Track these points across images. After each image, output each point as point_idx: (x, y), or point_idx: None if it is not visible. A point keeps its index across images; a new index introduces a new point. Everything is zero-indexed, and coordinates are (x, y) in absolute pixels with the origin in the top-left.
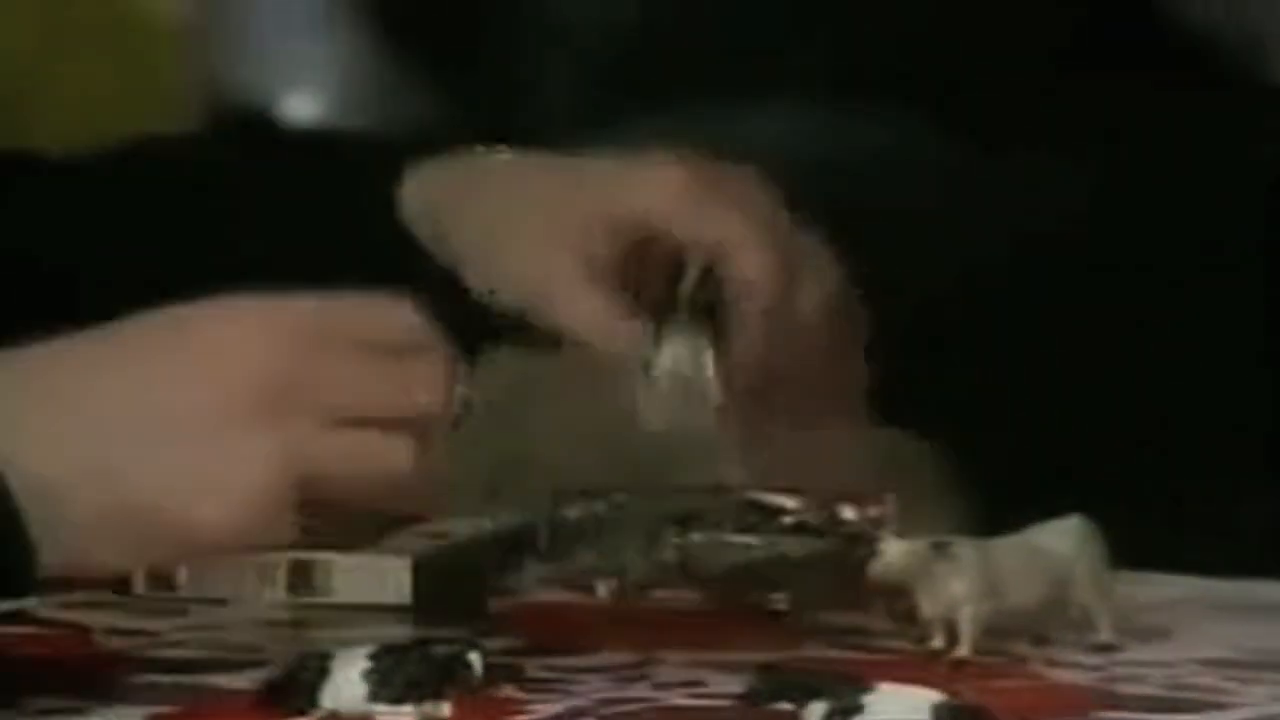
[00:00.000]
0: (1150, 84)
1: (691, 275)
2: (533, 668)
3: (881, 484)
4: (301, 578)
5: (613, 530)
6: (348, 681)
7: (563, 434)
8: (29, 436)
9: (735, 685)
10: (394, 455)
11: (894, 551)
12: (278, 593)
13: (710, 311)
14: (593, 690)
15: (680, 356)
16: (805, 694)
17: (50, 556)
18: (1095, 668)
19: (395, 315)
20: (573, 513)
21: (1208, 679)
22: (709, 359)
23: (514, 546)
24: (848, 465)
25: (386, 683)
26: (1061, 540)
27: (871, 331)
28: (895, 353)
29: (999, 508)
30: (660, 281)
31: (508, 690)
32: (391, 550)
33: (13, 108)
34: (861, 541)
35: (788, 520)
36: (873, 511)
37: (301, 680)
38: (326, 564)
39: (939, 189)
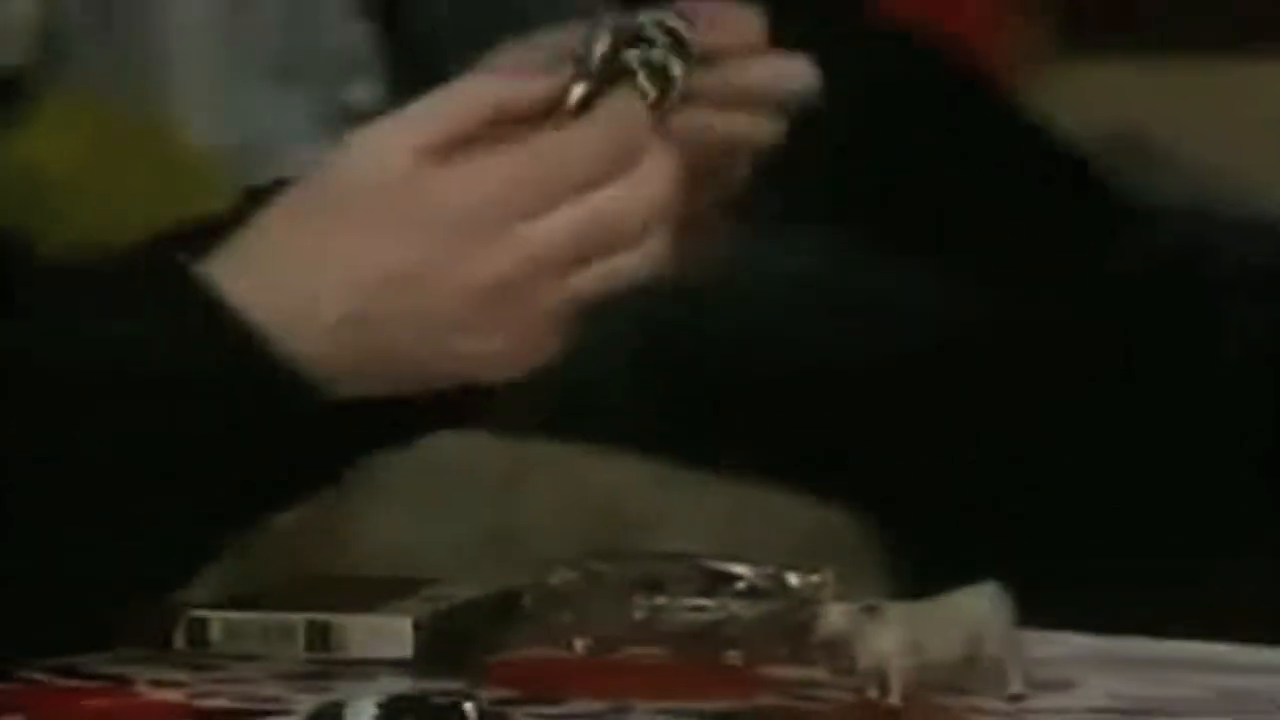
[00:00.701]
0: (1035, 206)
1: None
2: (520, 715)
3: (815, 550)
4: (318, 636)
5: (588, 594)
6: None
7: (546, 512)
8: (285, 297)
9: None
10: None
11: (833, 613)
12: (297, 650)
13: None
14: None
15: None
16: None
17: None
18: (1006, 714)
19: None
20: (554, 579)
21: None
22: None
23: (503, 609)
24: (787, 533)
25: None
26: (977, 603)
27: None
28: (834, 440)
29: (923, 575)
30: None
31: None
32: (395, 612)
33: (59, 215)
34: (805, 605)
35: (740, 585)
36: (814, 579)
37: None
38: (340, 624)
39: (865, 296)
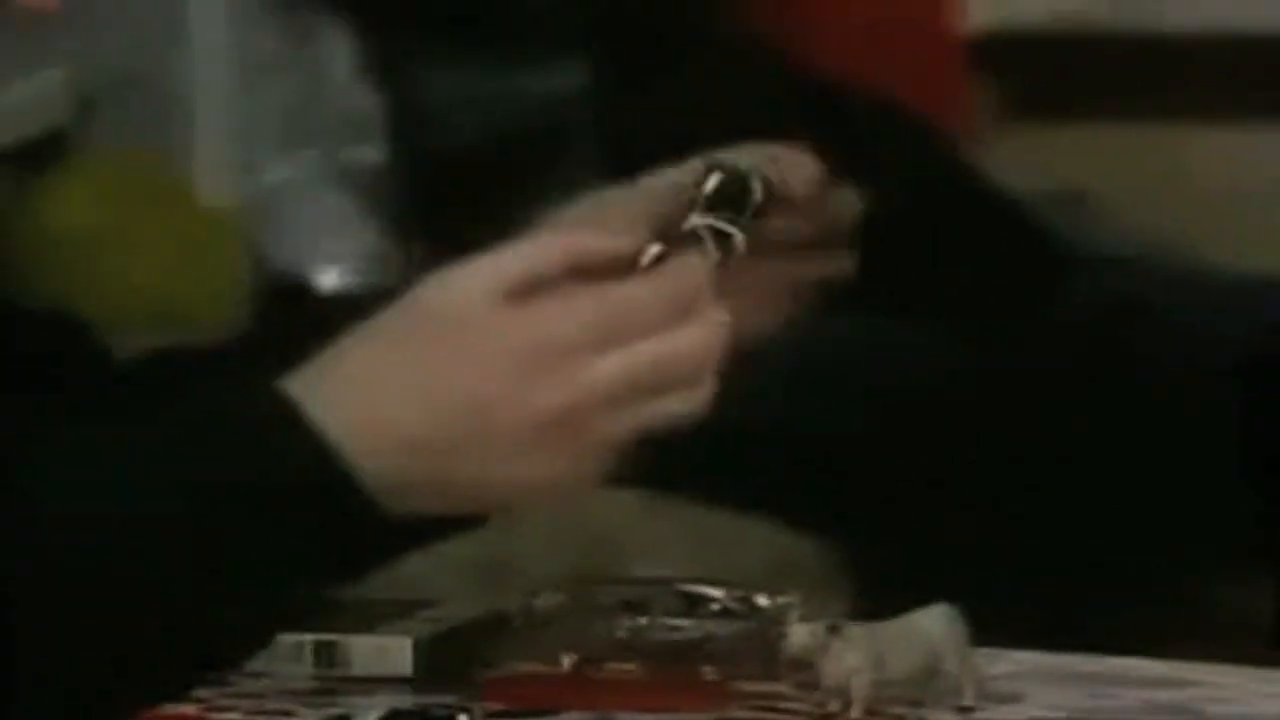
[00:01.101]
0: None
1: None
2: None
3: (784, 574)
4: (325, 654)
5: (575, 615)
6: None
7: (537, 540)
8: (360, 416)
9: None
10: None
11: (799, 633)
12: (306, 667)
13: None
14: None
15: None
16: None
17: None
18: None
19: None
20: (543, 602)
21: None
22: None
23: (496, 628)
24: (758, 559)
25: None
26: (933, 623)
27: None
28: (802, 474)
29: (884, 598)
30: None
31: None
32: (396, 632)
33: (84, 266)
34: (774, 625)
35: (715, 607)
36: (782, 601)
37: None
38: (345, 643)
39: (829, 344)
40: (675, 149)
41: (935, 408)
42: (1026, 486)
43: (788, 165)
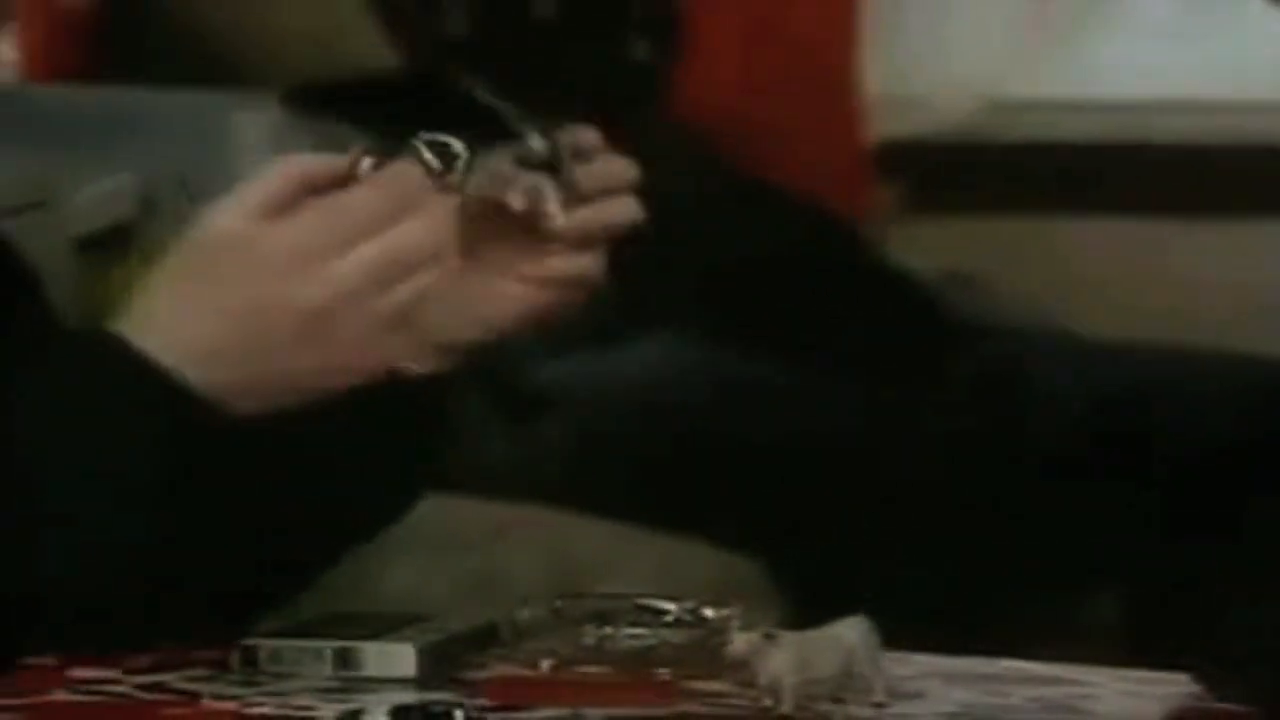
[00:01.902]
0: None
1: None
2: None
3: (726, 590)
4: (341, 659)
5: (551, 626)
6: None
7: (520, 562)
8: (173, 339)
9: None
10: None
11: (739, 640)
12: (326, 669)
13: None
14: None
15: None
16: None
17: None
18: (872, 718)
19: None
20: (525, 615)
21: None
22: None
23: (486, 637)
24: (704, 577)
25: None
26: (850, 631)
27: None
28: (740, 505)
29: (809, 611)
30: None
31: None
32: (401, 640)
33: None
34: (718, 633)
35: (668, 618)
36: (725, 612)
37: None
38: (358, 649)
39: (762, 396)
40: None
41: (850, 451)
42: (925, 516)
43: (599, 155)
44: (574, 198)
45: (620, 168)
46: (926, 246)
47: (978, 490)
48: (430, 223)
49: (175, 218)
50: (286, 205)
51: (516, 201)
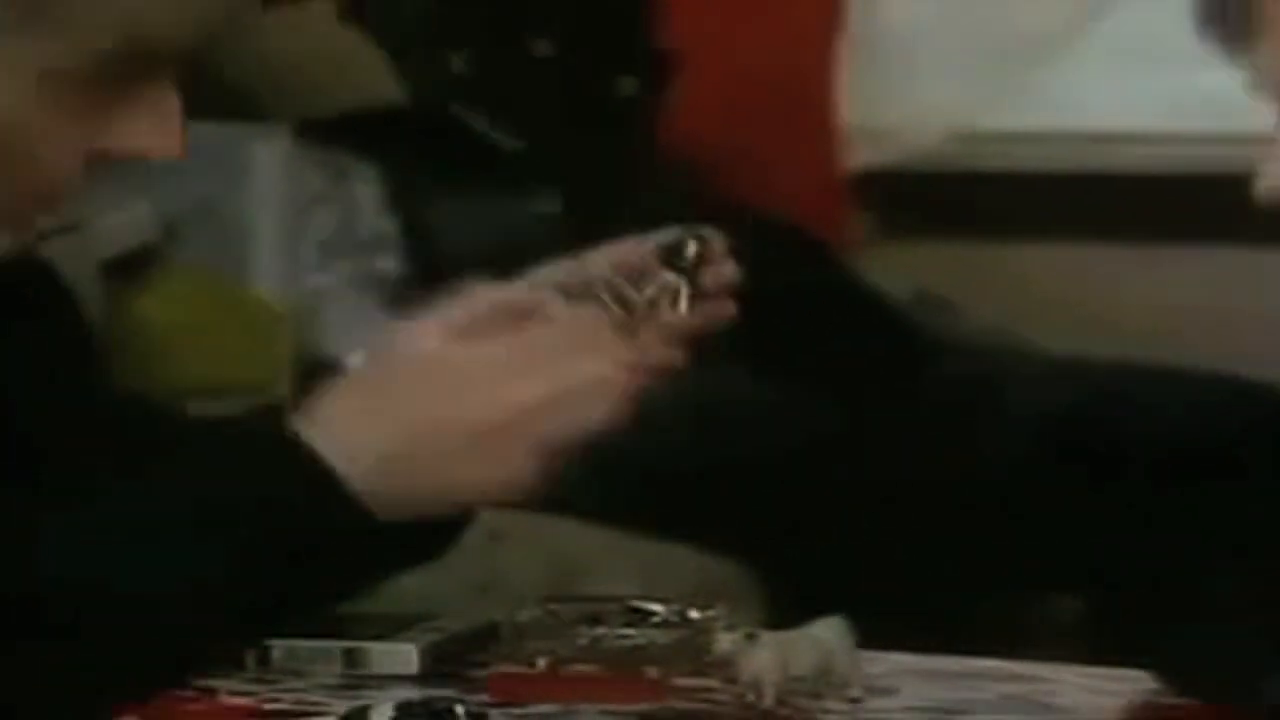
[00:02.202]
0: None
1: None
2: (497, 715)
3: (711, 592)
4: (350, 658)
5: (547, 627)
6: None
7: (518, 566)
8: (347, 444)
9: None
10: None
11: (723, 639)
12: (335, 668)
13: None
14: None
15: None
16: None
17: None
18: (848, 712)
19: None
20: (522, 616)
21: None
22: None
23: (486, 637)
24: (691, 581)
25: None
26: (827, 632)
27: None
28: (726, 514)
29: (790, 612)
30: None
31: None
32: (406, 640)
33: (167, 359)
34: (703, 633)
35: (656, 619)
36: (710, 613)
37: None
38: (365, 649)
39: (745, 411)
40: None
41: (827, 463)
42: (898, 524)
43: (713, 241)
44: (698, 296)
45: (731, 271)
46: (899, 270)
47: (948, 498)
48: (606, 366)
49: (196, 242)
50: (477, 329)
51: (665, 307)
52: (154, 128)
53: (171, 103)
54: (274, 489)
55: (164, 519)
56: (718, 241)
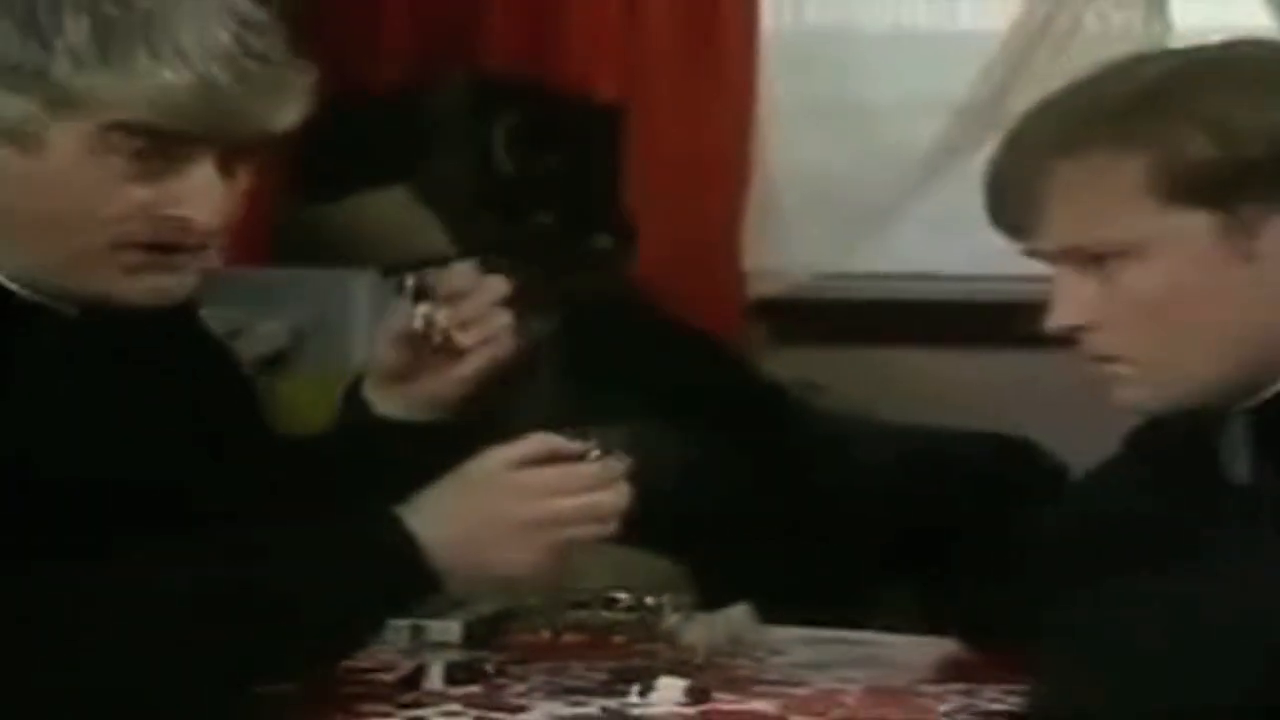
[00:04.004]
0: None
1: None
2: (512, 668)
3: (662, 585)
4: (414, 631)
5: (549, 608)
6: (436, 676)
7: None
8: (442, 519)
9: (607, 675)
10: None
11: (670, 618)
12: (404, 638)
13: None
14: (540, 676)
15: None
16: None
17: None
18: (752, 667)
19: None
20: (532, 601)
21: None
22: None
23: (507, 616)
24: (647, 575)
25: (452, 678)
26: (740, 613)
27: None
28: (672, 529)
29: (713, 599)
30: None
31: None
32: (451, 618)
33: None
34: (655, 613)
35: (623, 604)
36: (661, 600)
37: (414, 678)
38: (424, 625)
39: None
40: (602, 367)
41: (737, 495)
42: (786, 538)
43: (477, 284)
44: (464, 324)
45: (495, 285)
46: (786, 366)
47: (818, 516)
48: (620, 501)
49: (316, 350)
50: (534, 462)
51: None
52: (198, 199)
53: (214, 181)
54: (385, 560)
55: (320, 570)
56: (467, 275)
